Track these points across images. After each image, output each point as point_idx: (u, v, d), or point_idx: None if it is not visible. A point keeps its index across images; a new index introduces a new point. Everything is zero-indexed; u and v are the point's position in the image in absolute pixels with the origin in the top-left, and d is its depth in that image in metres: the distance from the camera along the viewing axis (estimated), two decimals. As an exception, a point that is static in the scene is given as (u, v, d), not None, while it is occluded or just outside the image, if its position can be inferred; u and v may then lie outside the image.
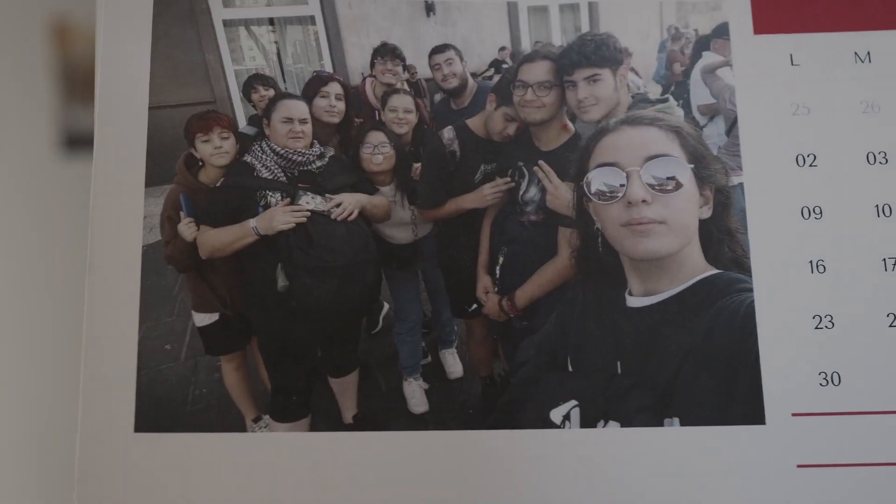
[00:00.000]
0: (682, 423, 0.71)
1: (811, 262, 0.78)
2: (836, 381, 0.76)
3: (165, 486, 0.76)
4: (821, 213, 0.79)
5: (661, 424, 0.72)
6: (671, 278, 0.71)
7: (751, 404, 0.73)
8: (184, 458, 0.77)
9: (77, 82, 1.01)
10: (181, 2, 0.89)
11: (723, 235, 0.74)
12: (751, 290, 0.71)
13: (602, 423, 0.74)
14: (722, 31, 0.86)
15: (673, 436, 0.73)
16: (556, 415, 0.75)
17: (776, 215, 0.79)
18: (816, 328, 0.77)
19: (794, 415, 0.75)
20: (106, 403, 0.76)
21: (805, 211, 0.79)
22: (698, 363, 0.68)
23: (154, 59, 0.84)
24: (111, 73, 0.83)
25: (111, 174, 0.80)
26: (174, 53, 0.91)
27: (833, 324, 0.77)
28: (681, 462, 0.74)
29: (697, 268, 0.71)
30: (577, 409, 0.75)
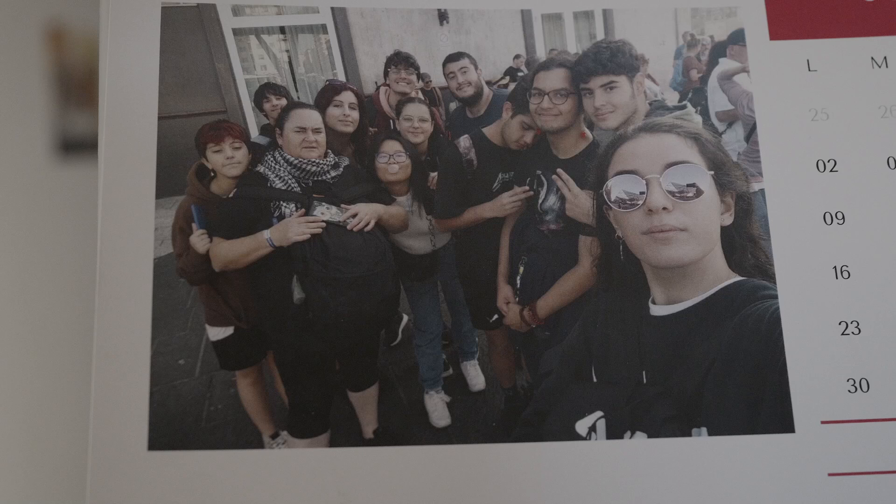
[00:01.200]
0: (710, 433, 0.70)
1: (835, 267, 0.78)
2: (864, 388, 0.75)
3: (182, 505, 0.75)
4: (843, 218, 0.79)
5: (689, 434, 0.70)
6: (694, 286, 0.70)
7: (779, 413, 0.72)
8: (199, 476, 0.75)
9: (73, 87, 1.00)
10: (189, 10, 0.88)
11: (745, 242, 0.73)
12: (775, 296, 0.69)
13: (629, 434, 0.73)
14: (738, 38, 0.86)
15: (701, 446, 0.73)
16: (582, 426, 0.74)
17: (798, 221, 0.79)
18: (843, 334, 0.76)
19: (823, 422, 0.74)
20: (118, 421, 0.75)
21: (827, 216, 0.79)
22: (724, 372, 0.67)
23: (162, 69, 0.83)
24: (117, 82, 0.81)
25: (120, 185, 0.79)
26: (183, 62, 0.90)
27: (859, 329, 0.76)
28: (710, 473, 0.73)
29: (721, 275, 0.70)
30: (603, 421, 0.74)
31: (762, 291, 0.69)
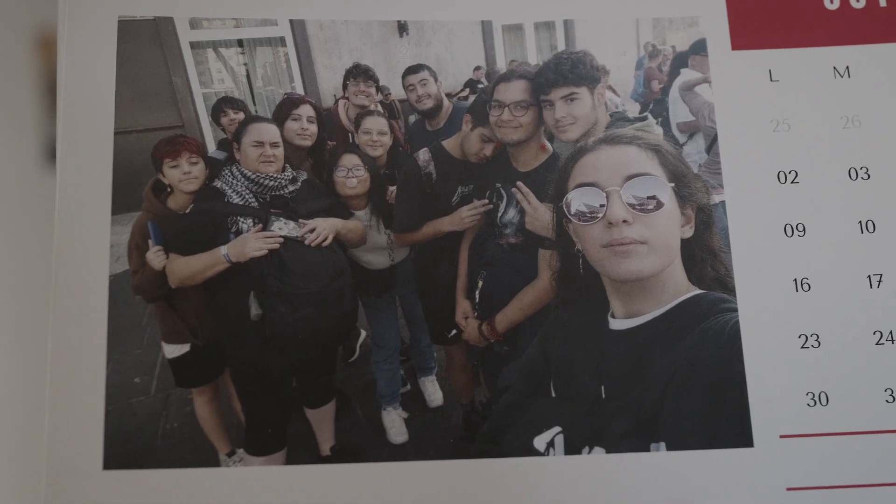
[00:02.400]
0: (669, 448, 0.69)
1: (795, 279, 0.77)
2: (823, 402, 0.74)
3: (136, 525, 0.74)
4: (804, 230, 0.78)
5: (648, 449, 0.70)
6: (654, 299, 0.69)
7: (738, 427, 0.72)
8: (155, 495, 0.74)
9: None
10: (146, 23, 0.87)
11: (705, 255, 0.73)
12: (735, 309, 0.69)
13: (587, 449, 0.72)
14: (700, 48, 0.85)
15: (659, 461, 0.72)
16: (540, 442, 0.73)
17: (759, 233, 0.78)
18: (803, 348, 0.75)
19: (782, 437, 0.73)
20: (73, 439, 0.73)
21: (788, 228, 0.78)
22: (684, 386, 0.66)
23: (119, 82, 0.82)
24: (74, 95, 0.80)
25: (76, 201, 0.78)
26: (140, 76, 0.89)
27: (819, 343, 0.76)
28: (668, 488, 0.73)
29: (680, 288, 0.70)
30: (562, 436, 0.73)
31: (722, 304, 0.69)
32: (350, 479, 0.75)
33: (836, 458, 0.73)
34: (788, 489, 0.72)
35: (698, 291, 0.70)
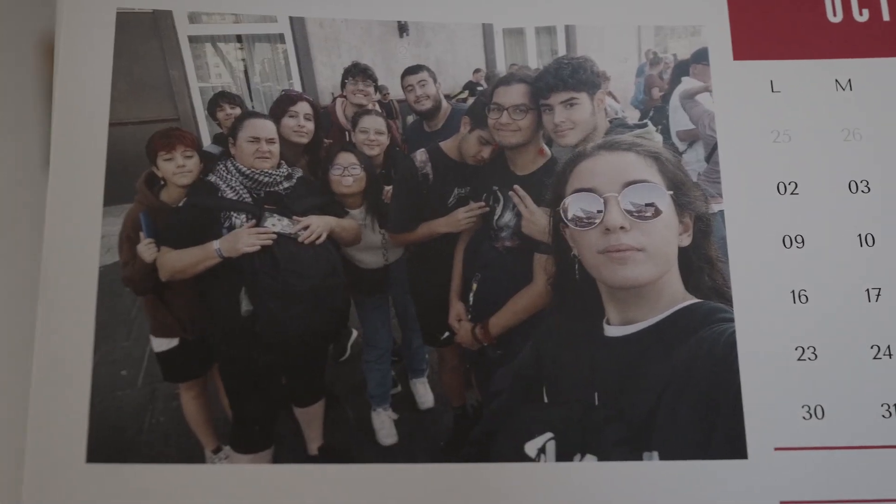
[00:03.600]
0: (662, 458, 0.69)
1: (793, 291, 0.77)
2: (819, 415, 0.74)
3: (119, 520, 0.73)
4: (802, 241, 0.78)
5: (640, 458, 0.69)
6: (650, 307, 0.69)
7: (732, 438, 0.71)
8: (138, 490, 0.73)
9: None
10: (145, 16, 0.86)
11: (703, 264, 0.72)
12: (732, 319, 0.68)
13: (579, 456, 0.71)
14: (701, 57, 0.85)
15: (652, 470, 0.71)
16: (531, 447, 0.72)
17: (757, 244, 0.78)
18: (799, 360, 0.75)
19: (777, 449, 0.73)
20: (56, 431, 0.72)
21: (787, 240, 0.78)
22: (678, 395, 0.66)
23: (115, 74, 0.81)
24: (70, 87, 0.79)
25: (68, 192, 0.77)
26: (136, 69, 0.88)
27: (816, 355, 0.75)
28: (660, 497, 0.72)
29: (677, 297, 0.69)
30: (553, 442, 0.72)
31: (718, 314, 0.68)
32: (337, 480, 0.74)
33: (831, 472, 0.72)
34: (782, 502, 0.72)
35: (695, 300, 0.69)
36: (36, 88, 0.96)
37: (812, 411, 0.74)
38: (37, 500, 0.71)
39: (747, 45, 0.83)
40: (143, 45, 0.88)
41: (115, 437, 0.80)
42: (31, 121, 0.95)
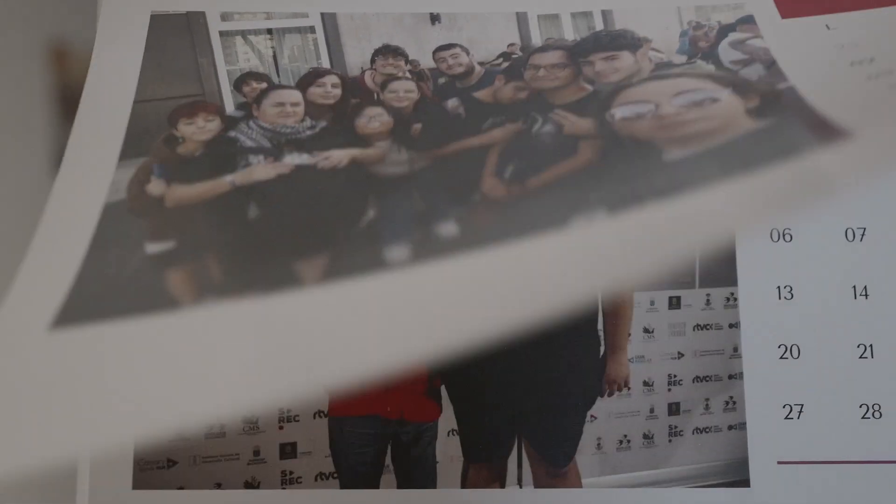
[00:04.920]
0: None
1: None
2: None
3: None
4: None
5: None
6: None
7: None
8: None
9: (75, 105, 0.97)
10: (178, 17, 0.88)
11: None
12: None
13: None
14: (747, 21, 0.83)
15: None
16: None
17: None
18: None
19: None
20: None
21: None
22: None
23: (145, 66, 0.81)
24: (100, 78, 0.81)
25: (85, 148, 0.77)
26: (165, 58, 0.87)
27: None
28: None
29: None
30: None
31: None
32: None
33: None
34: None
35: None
36: (44, 94, 0.96)
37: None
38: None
39: (793, 4, 0.81)
40: (175, 39, 0.88)
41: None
42: (39, 126, 0.95)
